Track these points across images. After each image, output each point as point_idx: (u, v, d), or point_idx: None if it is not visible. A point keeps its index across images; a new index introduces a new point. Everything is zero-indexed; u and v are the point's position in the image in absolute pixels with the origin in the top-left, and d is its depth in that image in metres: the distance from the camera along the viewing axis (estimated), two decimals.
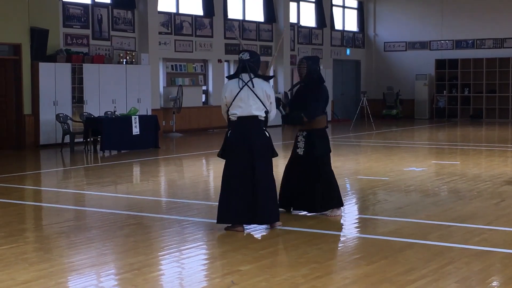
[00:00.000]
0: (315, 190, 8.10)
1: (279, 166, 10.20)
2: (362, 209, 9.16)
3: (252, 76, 7.44)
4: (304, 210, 8.30)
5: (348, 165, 13.43)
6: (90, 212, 8.70)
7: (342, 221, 8.19)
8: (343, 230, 7.73)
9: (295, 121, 8.18)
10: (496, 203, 9.16)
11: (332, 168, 8.36)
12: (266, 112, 7.51)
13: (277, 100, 7.94)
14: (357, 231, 7.69)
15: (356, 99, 28.50)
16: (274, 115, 7.65)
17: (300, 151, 8.17)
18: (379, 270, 5.88)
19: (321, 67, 8.36)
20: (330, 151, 8.35)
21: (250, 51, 7.69)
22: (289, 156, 8.45)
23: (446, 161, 13.87)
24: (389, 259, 6.23)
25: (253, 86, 7.40)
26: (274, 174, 7.71)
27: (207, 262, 6.39)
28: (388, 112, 28.67)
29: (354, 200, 9.84)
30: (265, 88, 7.46)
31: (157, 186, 11.42)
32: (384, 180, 11.19)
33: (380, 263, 6.10)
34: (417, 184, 10.80)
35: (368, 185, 10.83)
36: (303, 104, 8.10)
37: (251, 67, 7.48)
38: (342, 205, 8.32)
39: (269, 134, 7.68)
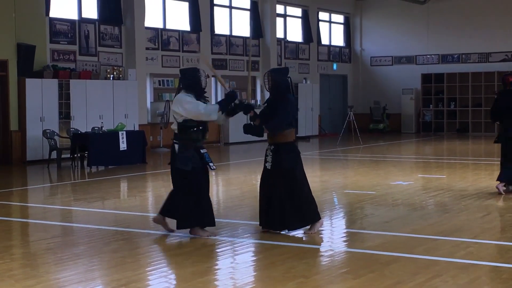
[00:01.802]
0: (285, 207, 7.91)
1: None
2: (349, 223, 9.18)
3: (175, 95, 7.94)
4: (276, 229, 8.02)
5: (335, 179, 13.46)
6: (77, 228, 8.68)
7: (329, 235, 8.21)
8: (330, 244, 7.75)
9: (254, 132, 8.05)
10: (482, 216, 9.20)
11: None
12: (181, 123, 7.77)
13: (247, 106, 7.94)
14: (344, 245, 7.71)
15: (343, 114, 28.61)
16: (212, 117, 7.77)
17: (268, 165, 8.06)
18: (366, 284, 5.90)
19: (291, 79, 8.21)
20: (300, 165, 8.06)
21: (184, 69, 8.16)
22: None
23: (433, 175, 13.93)
24: (376, 273, 6.25)
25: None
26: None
27: (194, 277, 6.38)
28: (375, 126, 28.79)
29: (341, 214, 9.86)
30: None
31: (145, 201, 11.40)
32: (371, 194, 11.23)
33: (367, 277, 6.12)
34: (404, 198, 10.84)
35: (355, 199, 10.86)
36: (268, 116, 8.03)
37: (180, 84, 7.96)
38: (318, 218, 8.12)
39: (179, 146, 7.78)
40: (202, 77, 7.97)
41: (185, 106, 7.74)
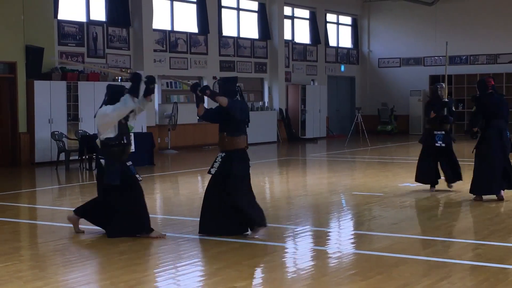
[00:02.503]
0: (231, 213, 7.93)
1: None
2: (357, 225, 9.18)
3: None
4: (222, 234, 7.96)
5: (343, 181, 13.45)
6: (85, 230, 8.69)
7: (337, 237, 8.21)
8: (338, 246, 7.74)
9: (212, 93, 7.97)
10: (490, 218, 9.18)
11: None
12: (103, 140, 8.08)
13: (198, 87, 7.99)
14: (352, 246, 7.70)
15: (351, 115, 28.58)
16: (128, 105, 7.92)
17: (213, 170, 8.03)
18: (374, 285, 5.89)
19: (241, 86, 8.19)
20: (248, 174, 8.05)
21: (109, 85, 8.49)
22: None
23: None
24: (384, 274, 6.24)
25: None
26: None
27: (202, 278, 6.40)
28: (382, 128, 28.75)
29: (349, 216, 9.86)
30: None
31: (153, 203, 11.41)
32: (379, 196, 11.21)
33: (375, 278, 6.11)
34: (411, 200, 10.82)
35: (363, 201, 10.85)
36: (228, 120, 7.98)
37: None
38: (262, 225, 8.02)
39: (105, 161, 8.06)
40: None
41: (107, 113, 8.01)
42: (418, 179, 11.89)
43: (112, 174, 7.99)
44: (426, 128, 12.26)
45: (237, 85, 8.18)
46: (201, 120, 8.50)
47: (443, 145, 11.68)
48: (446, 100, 11.80)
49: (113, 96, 8.15)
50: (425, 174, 11.78)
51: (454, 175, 11.79)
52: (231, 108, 7.81)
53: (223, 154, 8.01)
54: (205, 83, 22.65)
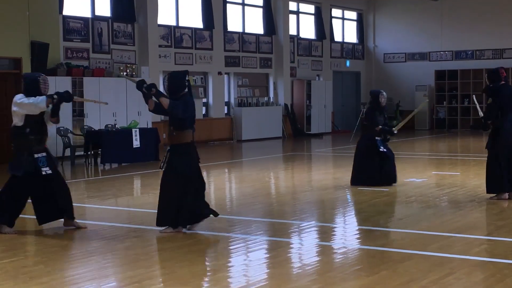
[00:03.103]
0: (181, 206, 7.94)
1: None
2: (362, 221, 9.16)
3: None
4: (166, 224, 8.04)
5: (348, 176, 13.37)
6: (91, 225, 8.70)
7: (342, 233, 8.19)
8: (343, 241, 7.73)
9: (157, 94, 7.99)
10: (496, 213, 9.16)
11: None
12: (12, 128, 8.21)
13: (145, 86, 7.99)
14: (357, 242, 7.69)
15: (356, 110, 28.53)
16: (40, 105, 7.99)
17: (161, 165, 8.10)
18: (380, 281, 5.88)
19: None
20: (194, 169, 8.05)
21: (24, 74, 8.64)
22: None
23: (447, 172, 13.87)
24: (389, 270, 6.23)
25: None
26: None
27: (208, 274, 6.39)
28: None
29: (354, 212, 9.84)
30: None
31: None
32: (384, 191, 11.19)
33: (380, 274, 6.10)
34: (417, 195, 10.80)
35: (368, 196, 10.83)
36: (176, 118, 8.01)
37: None
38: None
39: (13, 151, 8.23)
40: (42, 83, 8.21)
41: (18, 102, 8.02)
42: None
43: (17, 164, 8.05)
44: (365, 133, 12.19)
45: (186, 79, 8.15)
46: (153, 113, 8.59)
47: (385, 150, 11.85)
48: (362, 103, 11.91)
49: (28, 86, 8.18)
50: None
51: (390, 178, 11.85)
52: (172, 111, 7.87)
53: (169, 148, 8.11)
54: (210, 79, 22.65)
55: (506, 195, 10.08)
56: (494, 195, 10.17)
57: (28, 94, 8.08)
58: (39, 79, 8.19)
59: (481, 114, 10.58)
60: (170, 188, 7.99)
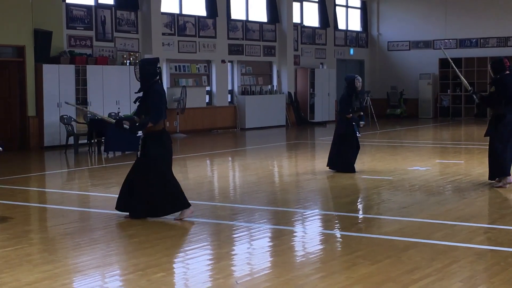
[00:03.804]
0: (152, 194, 7.97)
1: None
2: (366, 209, 9.16)
3: None
4: (139, 215, 8.06)
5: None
6: (95, 214, 8.72)
7: (346, 221, 8.19)
8: (347, 229, 7.73)
9: (140, 129, 8.06)
10: (500, 202, 9.15)
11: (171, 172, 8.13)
12: None
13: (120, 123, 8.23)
14: (361, 230, 7.68)
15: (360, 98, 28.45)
16: None
17: (138, 154, 8.12)
18: (383, 269, 5.88)
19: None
20: (166, 154, 8.06)
21: None
22: None
23: (450, 160, 13.85)
24: (393, 258, 6.23)
25: None
26: None
27: (211, 262, 6.40)
28: (392, 111, 28.65)
29: (358, 200, 9.84)
30: None
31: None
32: (388, 180, 11.18)
33: (384, 262, 6.10)
34: (421, 184, 10.79)
35: (372, 184, 10.83)
36: (146, 109, 8.00)
37: None
38: (185, 207, 8.06)
39: None
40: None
41: None
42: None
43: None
44: (345, 118, 12.14)
45: (157, 66, 8.14)
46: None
47: (359, 135, 12.21)
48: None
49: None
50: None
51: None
52: (154, 119, 7.91)
53: (142, 136, 8.12)
54: (213, 67, 22.61)
55: (510, 178, 10.19)
56: (497, 181, 10.25)
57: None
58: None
59: (469, 88, 10.86)
60: (156, 173, 7.99)
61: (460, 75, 11.25)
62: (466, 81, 11.32)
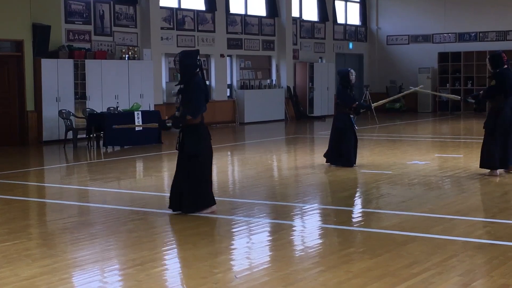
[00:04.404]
0: (183, 189, 7.94)
1: None
2: (365, 203, 9.16)
3: None
4: (177, 210, 8.05)
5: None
6: (94, 208, 8.71)
7: (345, 215, 8.19)
8: (346, 224, 7.72)
9: (180, 123, 7.99)
10: (499, 195, 9.14)
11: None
12: None
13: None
14: (361, 224, 7.68)
15: (359, 93, 28.45)
16: None
17: (177, 146, 8.10)
18: (383, 263, 5.88)
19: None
20: (205, 150, 8.02)
21: None
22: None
23: (450, 154, 13.85)
24: (392, 252, 6.22)
25: None
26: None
27: (210, 256, 6.39)
28: (391, 105, 28.62)
29: (357, 194, 9.84)
30: None
31: (160, 181, 11.42)
32: (387, 174, 11.18)
33: (383, 256, 6.09)
34: (420, 178, 10.78)
35: (371, 178, 10.82)
36: (187, 101, 7.95)
37: None
38: (213, 204, 8.09)
39: None
40: None
41: None
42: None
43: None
44: (344, 111, 12.04)
45: (198, 58, 8.07)
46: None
47: (356, 128, 12.22)
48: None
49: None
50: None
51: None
52: (193, 112, 7.86)
53: (179, 130, 8.08)
54: (212, 62, 22.57)
55: (497, 172, 10.61)
56: (488, 171, 10.69)
57: None
58: None
59: (457, 97, 11.52)
60: (198, 167, 7.95)
61: (441, 93, 11.58)
62: (451, 95, 11.50)
